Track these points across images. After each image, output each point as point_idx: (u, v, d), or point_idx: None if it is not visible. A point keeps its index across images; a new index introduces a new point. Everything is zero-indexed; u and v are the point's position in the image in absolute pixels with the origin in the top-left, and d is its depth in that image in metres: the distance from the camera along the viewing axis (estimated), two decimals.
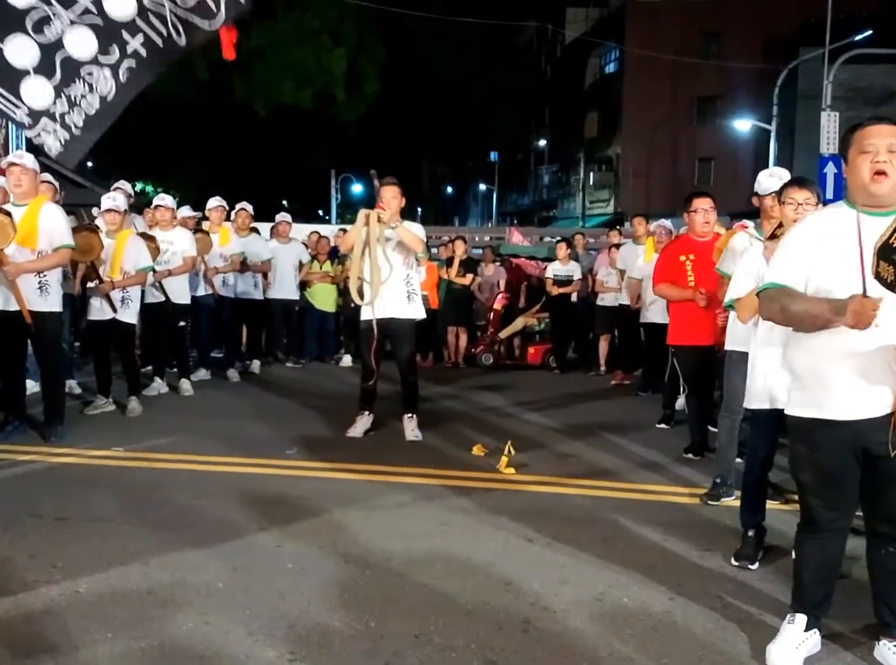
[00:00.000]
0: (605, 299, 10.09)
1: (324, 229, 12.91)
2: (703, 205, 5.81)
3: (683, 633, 3.20)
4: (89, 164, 30.74)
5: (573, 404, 8.22)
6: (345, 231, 11.07)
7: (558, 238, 12.43)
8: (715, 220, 5.93)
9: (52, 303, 5.98)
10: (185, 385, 8.10)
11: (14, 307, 5.79)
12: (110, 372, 7.18)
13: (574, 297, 10.70)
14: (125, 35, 4.11)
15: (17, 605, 3.27)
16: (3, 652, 2.90)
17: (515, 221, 36.73)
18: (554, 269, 10.70)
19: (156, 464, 5.46)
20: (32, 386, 6.68)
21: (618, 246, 10.07)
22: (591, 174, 39.81)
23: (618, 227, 13.51)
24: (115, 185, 8.50)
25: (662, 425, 6.99)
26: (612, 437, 6.57)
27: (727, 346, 4.74)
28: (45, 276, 5.89)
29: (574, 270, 10.63)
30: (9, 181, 6.01)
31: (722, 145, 33.30)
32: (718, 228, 6.00)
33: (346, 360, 10.71)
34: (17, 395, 6.16)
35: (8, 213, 5.66)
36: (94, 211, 8.16)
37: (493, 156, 47.64)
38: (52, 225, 5.87)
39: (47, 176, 7.06)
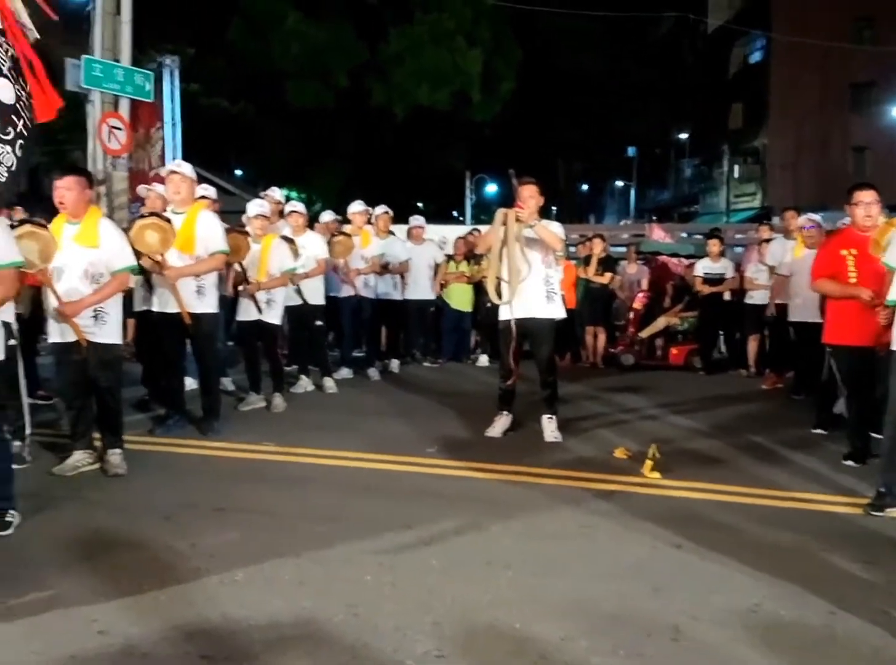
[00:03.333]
0: (755, 297, 9.67)
1: (459, 230, 13.01)
2: (864, 197, 5.49)
3: (846, 648, 3.02)
4: (238, 172, 32.31)
5: (720, 407, 7.92)
6: (477, 231, 11.21)
7: (706, 232, 11.99)
8: (878, 213, 5.59)
9: (209, 304, 6.26)
10: (329, 383, 8.36)
11: (173, 309, 6.11)
12: (260, 370, 7.52)
13: (728, 296, 10.31)
14: (13, 117, 4.72)
15: (182, 591, 3.44)
16: (173, 633, 3.06)
17: (654, 218, 35.76)
18: (704, 267, 10.33)
19: (304, 459, 5.65)
20: (191, 383, 7.06)
21: (768, 241, 9.64)
22: (736, 167, 38.27)
23: (765, 221, 12.92)
24: (266, 192, 8.84)
25: (819, 430, 6.61)
26: (764, 441, 6.28)
27: (893, 347, 4.44)
28: (202, 279, 6.17)
29: (726, 268, 10.25)
30: (168, 189, 6.34)
31: (878, 134, 31.40)
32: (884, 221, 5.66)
33: (483, 359, 10.75)
34: (177, 391, 6.52)
35: (168, 220, 6.00)
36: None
37: (631, 151, 46.54)
38: (208, 232, 6.15)
39: (205, 192, 7.39)
